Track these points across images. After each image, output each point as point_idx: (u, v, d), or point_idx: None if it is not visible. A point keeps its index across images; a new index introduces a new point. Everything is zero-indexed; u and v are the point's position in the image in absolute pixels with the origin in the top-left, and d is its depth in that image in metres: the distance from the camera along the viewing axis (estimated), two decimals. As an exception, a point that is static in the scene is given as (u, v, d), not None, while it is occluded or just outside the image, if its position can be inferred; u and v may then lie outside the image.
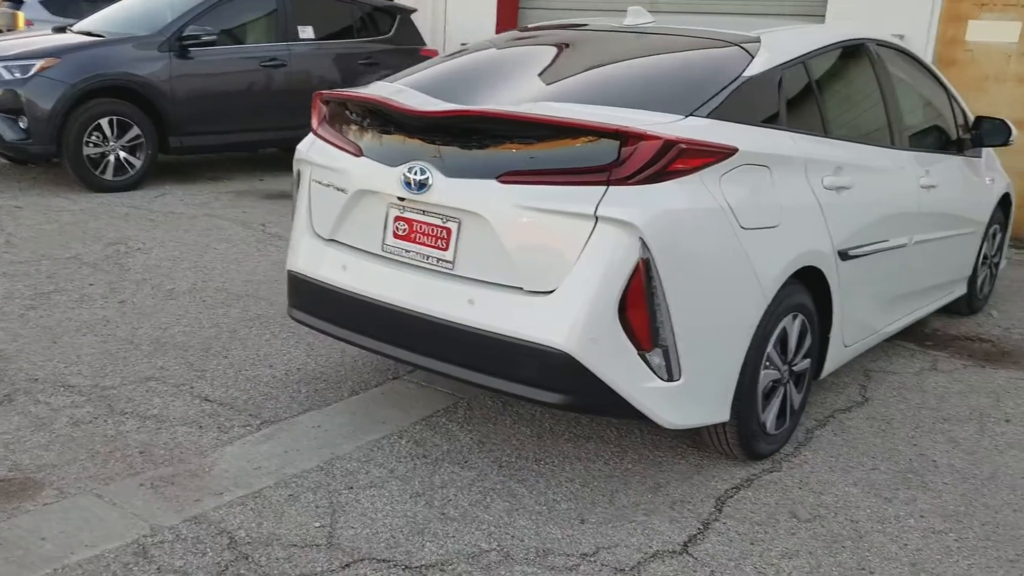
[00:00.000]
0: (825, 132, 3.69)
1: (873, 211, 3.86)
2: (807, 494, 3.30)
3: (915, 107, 4.56)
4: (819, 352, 3.69)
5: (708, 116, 3.14)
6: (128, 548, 2.73)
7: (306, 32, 8.93)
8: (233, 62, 8.35)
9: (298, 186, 3.71)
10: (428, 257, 3.19)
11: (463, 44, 4.24)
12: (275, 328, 4.67)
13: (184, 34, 7.94)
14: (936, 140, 4.77)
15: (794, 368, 3.52)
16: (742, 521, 3.08)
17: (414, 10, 10.20)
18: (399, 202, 3.23)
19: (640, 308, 2.88)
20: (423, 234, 3.20)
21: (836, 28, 4.24)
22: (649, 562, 2.82)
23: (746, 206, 3.11)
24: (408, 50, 9.77)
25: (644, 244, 2.84)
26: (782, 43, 3.65)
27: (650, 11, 4.07)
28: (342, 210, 3.42)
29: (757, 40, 3.60)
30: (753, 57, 3.48)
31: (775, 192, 3.27)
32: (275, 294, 5.19)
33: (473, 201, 3.04)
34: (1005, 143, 4.84)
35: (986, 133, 4.90)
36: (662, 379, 2.95)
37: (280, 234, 6.58)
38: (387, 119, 3.34)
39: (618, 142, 2.88)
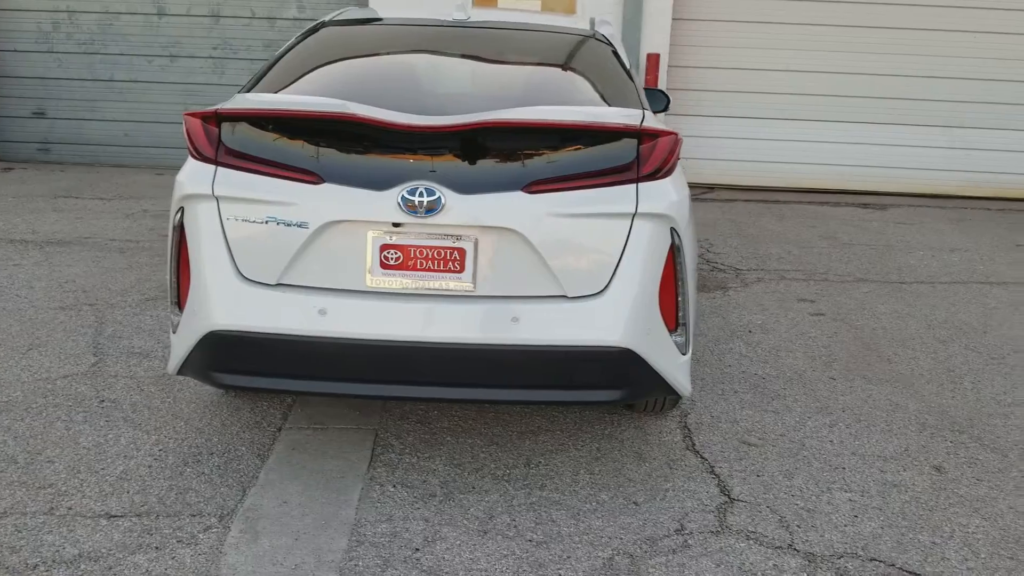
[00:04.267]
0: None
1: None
2: (730, 425, 3.84)
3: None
4: None
5: (645, 108, 3.40)
6: None
7: None
8: None
9: (187, 228, 3.05)
10: (438, 283, 2.96)
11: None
12: (56, 412, 3.70)
13: None
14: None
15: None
16: (729, 461, 3.52)
17: None
18: (393, 228, 2.92)
19: (670, 292, 3.10)
20: (427, 259, 2.95)
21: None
22: (727, 516, 3.11)
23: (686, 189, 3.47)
24: None
25: (674, 232, 3.05)
26: (609, 33, 4.00)
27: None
28: (300, 248, 2.94)
29: (597, 31, 3.91)
30: (615, 48, 3.79)
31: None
32: (-9, 372, 4.04)
33: (499, 216, 2.91)
34: (663, 110, 5.79)
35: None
36: (683, 354, 3.21)
37: None
38: (356, 138, 2.95)
39: (636, 141, 3.01)
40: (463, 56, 3.60)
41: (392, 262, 2.94)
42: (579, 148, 2.99)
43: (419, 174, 2.89)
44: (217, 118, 3.01)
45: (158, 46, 9.57)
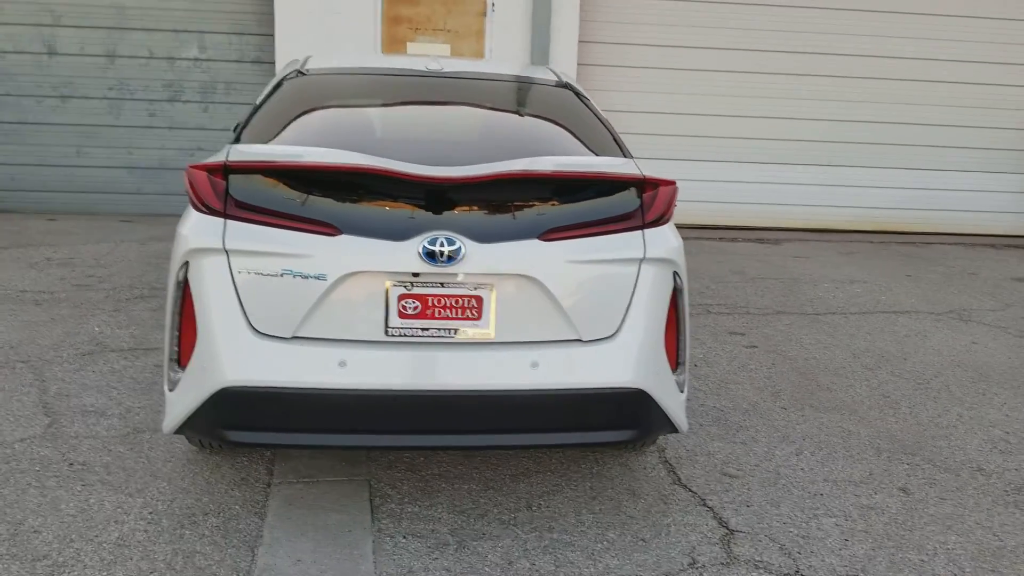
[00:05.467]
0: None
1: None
2: (706, 458, 4.00)
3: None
4: None
5: (629, 156, 3.55)
6: None
7: None
8: None
9: (192, 283, 2.98)
10: (455, 331, 3.00)
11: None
12: (24, 478, 3.51)
13: None
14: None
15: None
16: (717, 493, 3.66)
17: None
18: (412, 278, 2.95)
19: (672, 334, 3.23)
20: (445, 308, 2.99)
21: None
22: (732, 547, 3.25)
23: None
24: None
25: (676, 275, 3.19)
26: (572, 80, 4.16)
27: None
28: (317, 300, 2.93)
29: (566, 81, 4.06)
30: (586, 98, 3.94)
31: None
32: (-61, 439, 3.78)
33: (517, 264, 2.98)
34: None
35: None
36: (681, 392, 3.34)
37: None
38: (373, 189, 2.96)
39: (639, 189, 3.14)
40: (451, 106, 3.67)
41: (411, 312, 2.96)
42: (589, 197, 3.10)
43: (438, 224, 2.93)
44: (225, 170, 2.96)
45: (48, 86, 9.19)
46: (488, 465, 3.78)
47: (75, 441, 3.86)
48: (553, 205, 3.06)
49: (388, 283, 2.94)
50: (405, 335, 2.96)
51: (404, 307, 2.95)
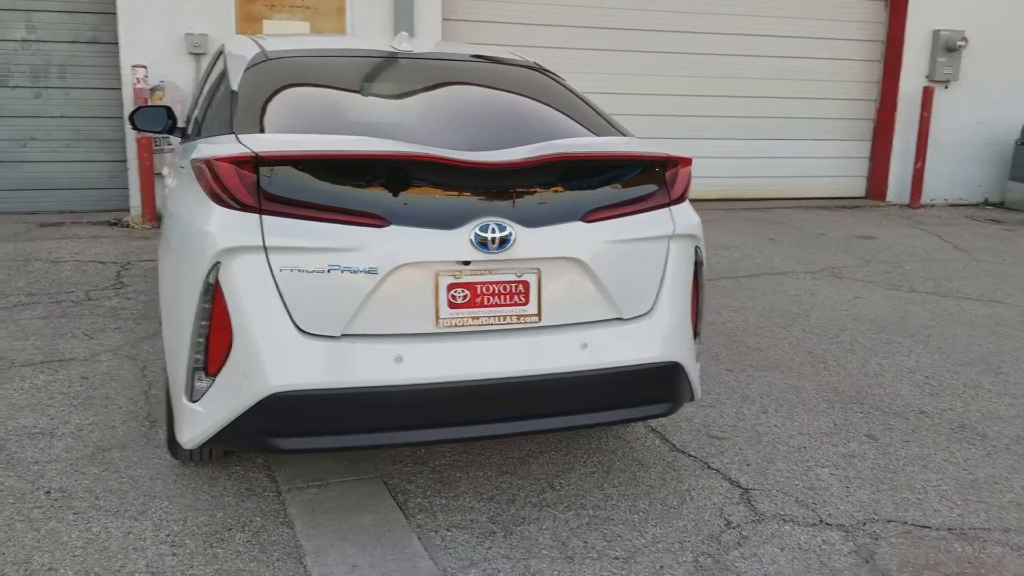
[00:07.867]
0: None
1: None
2: (686, 423, 4.15)
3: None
4: None
5: (627, 134, 3.61)
6: None
7: None
8: None
9: (225, 285, 2.78)
10: (505, 317, 2.96)
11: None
12: (1, 512, 3.16)
13: None
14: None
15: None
16: (715, 456, 3.82)
17: None
18: (461, 267, 2.88)
19: (694, 306, 3.34)
20: (494, 295, 2.94)
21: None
22: (755, 505, 3.41)
23: None
24: None
25: (698, 250, 3.30)
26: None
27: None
28: (367, 295, 2.81)
29: (528, 60, 4.06)
30: (559, 77, 3.95)
31: None
32: None
33: (563, 247, 2.98)
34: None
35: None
36: (697, 363, 3.46)
37: None
38: (418, 177, 2.85)
39: (661, 168, 3.21)
40: (446, 88, 3.56)
41: (459, 301, 2.89)
42: (620, 177, 3.13)
43: (487, 210, 2.87)
44: (256, 162, 2.76)
45: None
46: (492, 451, 3.75)
47: (37, 467, 3.49)
48: (591, 187, 3.06)
49: (437, 273, 2.85)
50: (456, 325, 2.89)
51: (453, 296, 2.88)
